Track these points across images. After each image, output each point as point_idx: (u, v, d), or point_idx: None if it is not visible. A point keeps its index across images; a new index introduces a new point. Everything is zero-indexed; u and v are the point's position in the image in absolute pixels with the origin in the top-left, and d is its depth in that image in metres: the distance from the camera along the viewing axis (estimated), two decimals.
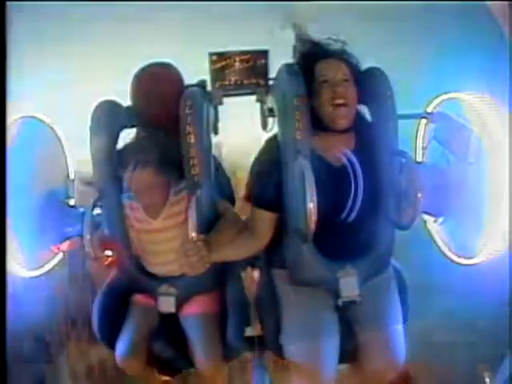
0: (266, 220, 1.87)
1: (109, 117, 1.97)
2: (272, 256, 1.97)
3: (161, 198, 1.92)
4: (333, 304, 1.89)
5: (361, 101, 1.86)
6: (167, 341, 2.05)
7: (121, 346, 1.99)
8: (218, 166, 2.07)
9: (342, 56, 1.87)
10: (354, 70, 1.87)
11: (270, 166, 1.85)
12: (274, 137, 1.89)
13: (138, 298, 2.07)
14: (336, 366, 1.88)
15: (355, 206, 1.79)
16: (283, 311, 1.90)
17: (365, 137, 1.87)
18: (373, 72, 1.90)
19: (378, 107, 1.87)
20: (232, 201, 2.10)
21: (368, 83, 1.87)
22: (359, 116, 1.87)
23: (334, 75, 1.82)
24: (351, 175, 1.79)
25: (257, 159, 1.92)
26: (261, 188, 1.87)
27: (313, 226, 1.70)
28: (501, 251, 2.07)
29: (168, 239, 1.96)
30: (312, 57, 1.88)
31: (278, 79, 1.88)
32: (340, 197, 1.81)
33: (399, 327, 1.92)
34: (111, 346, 2.03)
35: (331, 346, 1.85)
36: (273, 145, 1.86)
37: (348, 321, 1.91)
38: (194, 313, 2.01)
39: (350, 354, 1.93)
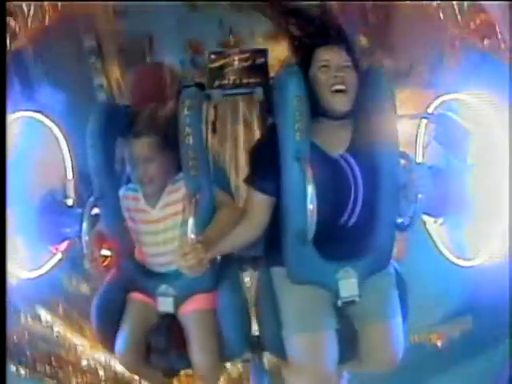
0: (261, 202, 1.86)
1: (107, 118, 1.96)
2: (270, 254, 1.97)
3: (159, 174, 1.91)
4: (332, 302, 1.88)
5: (361, 101, 1.85)
6: (166, 340, 2.05)
7: (120, 342, 1.99)
8: (216, 165, 2.07)
9: (343, 42, 1.87)
10: (354, 56, 1.86)
11: (267, 149, 1.85)
12: (274, 124, 1.88)
13: (136, 295, 2.07)
14: (336, 361, 1.87)
15: (355, 210, 1.79)
16: (282, 309, 1.90)
17: (363, 132, 1.87)
18: (373, 72, 1.90)
19: (378, 108, 1.86)
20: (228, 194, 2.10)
21: (368, 83, 1.86)
22: (358, 103, 1.85)
23: (335, 60, 1.82)
24: (351, 182, 1.80)
25: (256, 143, 1.94)
26: (257, 170, 1.88)
27: (313, 227, 1.70)
28: (500, 253, 2.07)
29: (167, 228, 1.96)
30: (311, 41, 1.88)
31: (278, 79, 1.88)
32: (340, 197, 1.80)
33: (398, 321, 1.91)
34: (110, 344, 2.03)
35: (331, 342, 1.85)
36: (272, 130, 1.86)
37: (348, 317, 1.91)
38: (193, 310, 2.00)
39: (350, 349, 1.92)
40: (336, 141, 1.86)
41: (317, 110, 1.81)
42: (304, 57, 1.85)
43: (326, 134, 1.85)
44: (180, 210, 1.90)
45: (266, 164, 1.85)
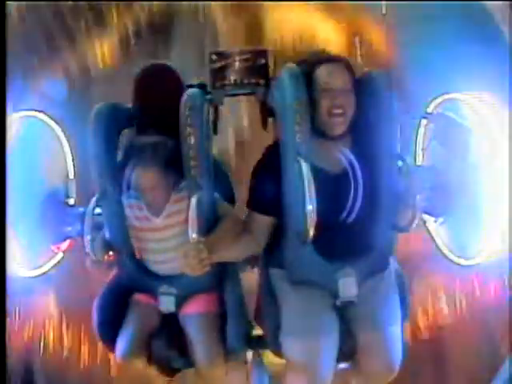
0: (262, 224, 1.87)
1: (109, 118, 1.97)
2: (270, 256, 1.97)
3: (163, 196, 1.93)
4: (331, 303, 1.88)
5: (361, 103, 1.85)
6: (167, 340, 2.05)
7: (121, 344, 1.99)
8: (217, 165, 2.07)
9: (344, 61, 1.86)
10: (353, 75, 1.85)
11: (268, 171, 1.85)
12: (275, 143, 1.89)
13: (139, 296, 2.07)
14: (334, 364, 1.88)
15: (354, 209, 1.80)
16: (282, 310, 1.90)
17: (362, 139, 1.87)
18: (373, 75, 1.91)
19: (377, 110, 1.86)
20: (232, 200, 2.10)
21: (368, 86, 1.86)
22: (355, 120, 1.86)
23: (335, 84, 1.80)
24: (350, 179, 1.80)
25: (256, 165, 1.92)
26: (258, 193, 1.88)
27: (312, 227, 1.71)
28: (500, 252, 2.08)
29: (169, 237, 1.96)
30: (313, 59, 1.87)
31: (279, 82, 1.88)
32: (339, 200, 1.81)
33: (397, 327, 1.92)
34: (112, 345, 2.03)
35: (329, 344, 1.85)
36: (272, 151, 1.86)
37: (347, 320, 1.91)
38: (194, 312, 2.01)
39: (348, 353, 1.93)
40: (334, 147, 1.86)
41: (313, 130, 1.81)
42: (305, 74, 1.82)
43: (323, 150, 1.85)
44: (184, 219, 1.90)
45: (265, 186, 1.85)
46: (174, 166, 1.90)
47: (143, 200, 1.93)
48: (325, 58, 1.86)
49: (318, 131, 1.82)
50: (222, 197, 2.02)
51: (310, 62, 1.86)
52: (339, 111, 1.79)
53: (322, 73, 1.83)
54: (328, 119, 1.80)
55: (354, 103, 1.82)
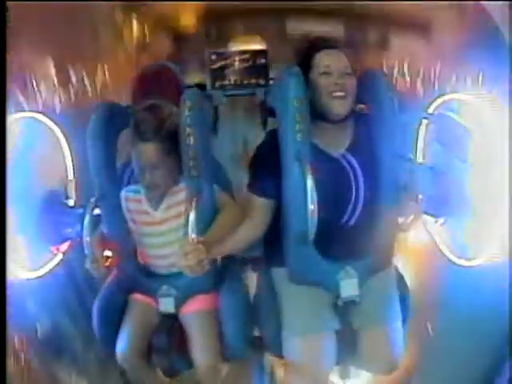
0: (262, 206, 1.87)
1: (108, 118, 1.97)
2: (271, 255, 1.98)
3: (162, 181, 1.91)
4: (332, 301, 1.89)
5: (362, 102, 1.85)
6: (167, 341, 2.05)
7: (121, 342, 1.99)
8: (216, 165, 2.07)
9: (342, 47, 1.87)
10: (352, 62, 1.86)
11: (267, 153, 1.86)
12: (273, 129, 1.89)
13: (137, 295, 2.07)
14: (334, 363, 1.88)
15: (357, 208, 1.80)
16: (283, 309, 1.90)
17: (364, 133, 1.87)
18: (374, 74, 1.91)
19: (379, 109, 1.87)
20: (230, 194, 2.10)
21: (369, 85, 1.87)
22: (357, 109, 1.86)
23: (336, 67, 1.82)
24: (349, 168, 1.81)
25: (257, 148, 1.93)
26: (257, 175, 1.89)
27: (313, 227, 1.71)
28: (501, 253, 2.08)
29: (170, 230, 1.96)
30: (312, 45, 1.88)
31: (279, 80, 1.88)
32: (341, 197, 1.81)
33: (398, 325, 1.92)
34: (112, 346, 2.03)
35: (330, 343, 1.86)
36: (273, 136, 1.86)
37: (347, 317, 1.91)
38: (194, 310, 2.01)
39: (349, 351, 1.93)
40: (336, 141, 1.87)
41: (315, 114, 1.81)
42: (304, 61, 1.85)
43: (325, 135, 1.85)
44: (182, 212, 1.90)
45: (266, 168, 1.86)
46: (176, 144, 1.87)
47: (143, 184, 1.92)
48: (324, 44, 1.87)
49: (319, 115, 1.82)
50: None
51: (310, 49, 1.87)
52: (341, 94, 1.79)
53: (322, 57, 1.84)
54: (329, 101, 1.80)
55: (356, 86, 1.83)
